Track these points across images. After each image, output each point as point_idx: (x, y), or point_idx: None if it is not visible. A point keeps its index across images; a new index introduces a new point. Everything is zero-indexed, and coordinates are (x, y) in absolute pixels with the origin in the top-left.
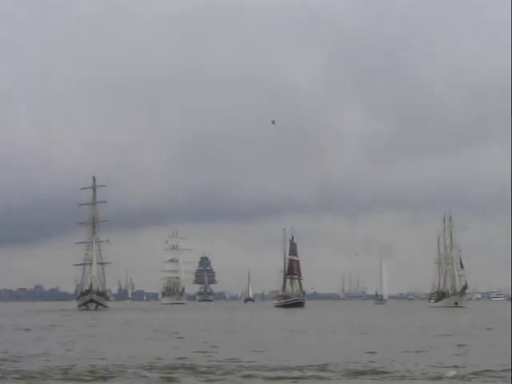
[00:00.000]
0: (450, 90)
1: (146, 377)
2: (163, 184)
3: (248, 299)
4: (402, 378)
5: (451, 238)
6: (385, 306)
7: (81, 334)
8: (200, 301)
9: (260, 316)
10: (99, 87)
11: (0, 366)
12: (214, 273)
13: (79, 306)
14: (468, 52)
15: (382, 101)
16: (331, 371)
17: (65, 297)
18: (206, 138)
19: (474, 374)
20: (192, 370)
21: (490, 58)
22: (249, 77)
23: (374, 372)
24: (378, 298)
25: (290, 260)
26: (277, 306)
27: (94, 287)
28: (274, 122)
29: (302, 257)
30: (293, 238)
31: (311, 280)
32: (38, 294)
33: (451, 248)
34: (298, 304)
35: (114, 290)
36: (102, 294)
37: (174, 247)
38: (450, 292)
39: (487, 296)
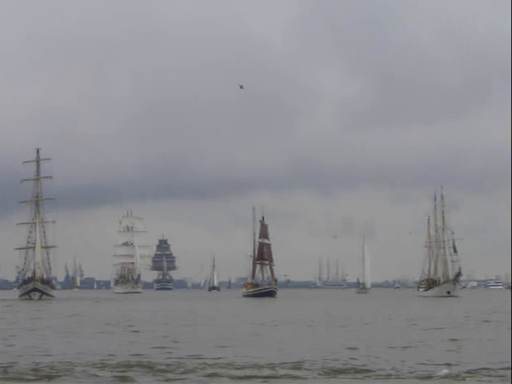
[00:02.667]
0: (440, 45)
1: (97, 376)
2: (115, 156)
3: (212, 288)
4: (387, 377)
5: (443, 218)
6: (368, 295)
7: (23, 328)
8: (158, 289)
9: (226, 307)
10: (40, 46)
11: None
12: (173, 258)
13: (21, 295)
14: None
15: (362, 58)
16: (307, 369)
17: (4, 285)
18: (163, 103)
19: (468, 372)
20: (149, 368)
21: (486, 6)
22: (211, 33)
23: (356, 370)
24: (360, 287)
25: (260, 243)
26: (245, 296)
27: (38, 274)
28: (242, 87)
29: (274, 240)
30: (263, 218)
31: (284, 266)
32: None
33: (443, 230)
34: (270, 293)
35: (61, 278)
36: (47, 282)
37: (128, 229)
38: (442, 280)
39: (484, 284)
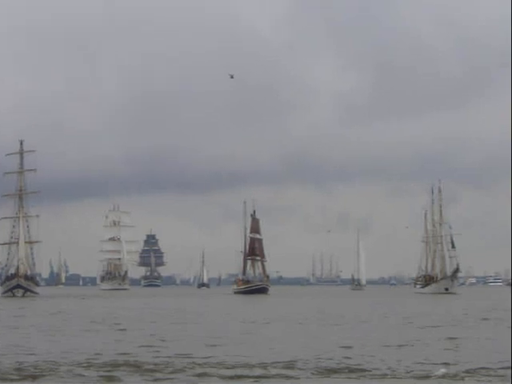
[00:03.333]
0: (439, 35)
1: (83, 375)
2: (102, 148)
3: (202, 284)
4: (383, 376)
5: (441, 212)
6: (363, 292)
7: (6, 326)
8: (146, 286)
9: (216, 304)
10: (24, 37)
11: None
12: (162, 253)
13: (4, 292)
14: None
15: (358, 49)
16: (299, 369)
17: None
18: (151, 94)
19: (467, 372)
20: (136, 367)
21: None
22: (201, 22)
23: (350, 370)
24: (355, 283)
25: (252, 238)
26: (236, 293)
27: (22, 270)
28: (232, 77)
29: (266, 235)
30: (254, 212)
31: (276, 262)
32: None
33: (440, 224)
34: (261, 290)
35: (45, 274)
36: (31, 279)
37: (114, 223)
38: (440, 276)
39: (483, 281)
